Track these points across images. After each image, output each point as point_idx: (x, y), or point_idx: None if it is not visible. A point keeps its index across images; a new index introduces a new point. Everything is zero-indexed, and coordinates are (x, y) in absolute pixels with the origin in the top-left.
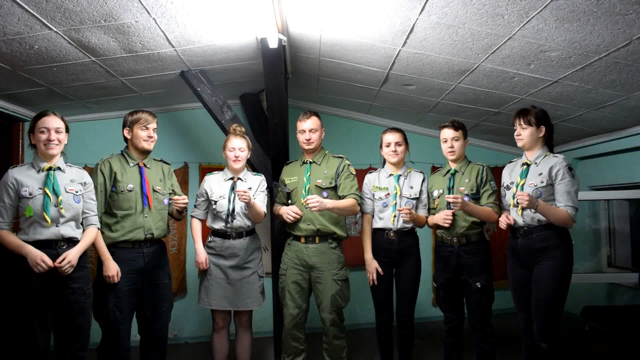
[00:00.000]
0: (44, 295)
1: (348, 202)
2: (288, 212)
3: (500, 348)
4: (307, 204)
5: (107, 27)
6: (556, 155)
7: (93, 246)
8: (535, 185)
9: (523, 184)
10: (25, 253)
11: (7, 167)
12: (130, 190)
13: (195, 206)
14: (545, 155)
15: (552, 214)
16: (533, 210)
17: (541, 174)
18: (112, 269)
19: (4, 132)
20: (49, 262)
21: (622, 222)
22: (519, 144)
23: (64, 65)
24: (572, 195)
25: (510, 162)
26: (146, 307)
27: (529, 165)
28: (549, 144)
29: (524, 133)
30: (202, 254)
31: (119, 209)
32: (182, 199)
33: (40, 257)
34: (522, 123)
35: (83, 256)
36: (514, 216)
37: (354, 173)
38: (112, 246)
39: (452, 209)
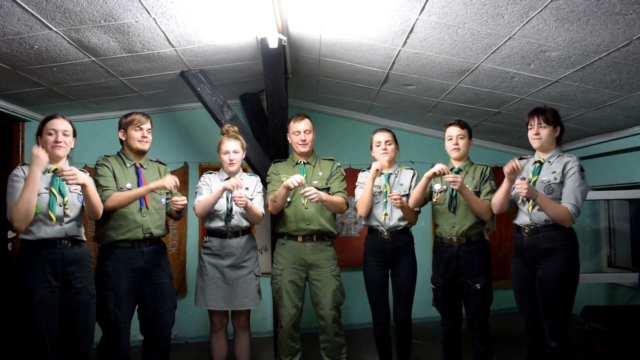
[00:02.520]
0: (49, 297)
1: (338, 199)
2: (292, 180)
3: (499, 348)
4: (306, 195)
5: (107, 27)
6: (570, 155)
7: (94, 245)
8: (549, 181)
9: (535, 180)
10: (30, 182)
11: (7, 166)
12: (129, 189)
13: (199, 194)
14: (559, 155)
15: (551, 208)
16: (538, 208)
17: (555, 171)
18: (166, 180)
19: (4, 132)
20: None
21: (622, 222)
22: (536, 144)
23: (64, 65)
24: (576, 194)
25: (521, 158)
26: (147, 307)
27: (542, 163)
28: (559, 144)
29: (543, 132)
30: (229, 181)
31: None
32: (181, 200)
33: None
34: (542, 122)
35: (87, 256)
36: (521, 215)
37: (344, 174)
38: (111, 245)
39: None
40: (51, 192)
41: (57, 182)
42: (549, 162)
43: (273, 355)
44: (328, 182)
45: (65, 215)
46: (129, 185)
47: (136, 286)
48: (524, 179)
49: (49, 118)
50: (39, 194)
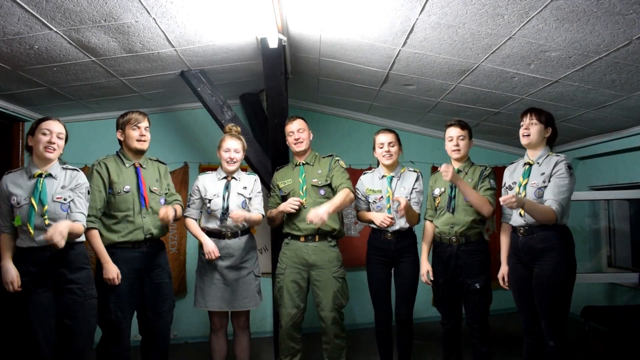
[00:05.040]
0: (41, 297)
1: (342, 194)
2: (290, 203)
3: (499, 348)
4: (311, 222)
5: (107, 27)
6: (558, 154)
7: (92, 248)
8: (537, 186)
9: (526, 184)
10: (3, 267)
11: (7, 167)
12: (127, 192)
13: (188, 206)
14: (548, 155)
15: (538, 211)
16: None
17: (543, 173)
18: (112, 271)
19: (4, 132)
20: (16, 286)
21: (622, 222)
22: (525, 140)
23: (64, 65)
24: (560, 189)
25: (512, 163)
26: (147, 306)
27: (531, 165)
28: (550, 146)
29: (533, 129)
30: (210, 243)
31: (117, 211)
32: (166, 217)
33: (9, 280)
34: (534, 119)
35: (82, 257)
36: (515, 216)
37: (345, 167)
38: (112, 246)
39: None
40: (30, 203)
41: (37, 191)
42: (538, 163)
43: (273, 355)
44: (327, 179)
45: (46, 225)
46: (126, 188)
47: (137, 286)
48: (514, 183)
49: (45, 119)
50: (20, 205)
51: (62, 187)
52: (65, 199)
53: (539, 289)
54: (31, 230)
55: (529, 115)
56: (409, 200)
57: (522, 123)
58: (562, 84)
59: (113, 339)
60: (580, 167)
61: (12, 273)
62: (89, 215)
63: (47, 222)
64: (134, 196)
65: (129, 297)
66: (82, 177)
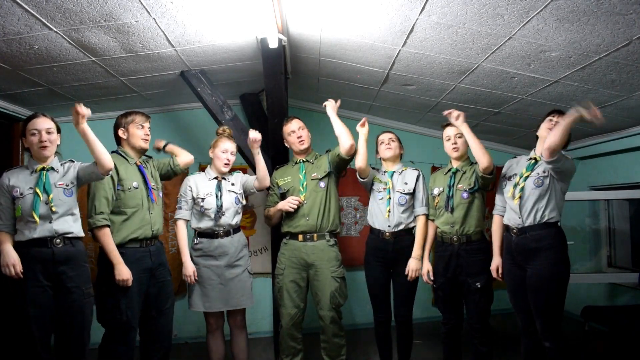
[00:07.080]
0: (40, 296)
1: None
2: (289, 201)
3: (499, 348)
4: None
5: (107, 27)
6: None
7: (93, 245)
8: (538, 175)
9: (527, 176)
10: (3, 250)
11: (8, 166)
12: (136, 188)
13: (180, 207)
14: None
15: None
16: (529, 209)
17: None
18: (125, 273)
19: (4, 132)
20: (18, 269)
21: (622, 222)
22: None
23: (64, 65)
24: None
25: (515, 157)
26: (151, 305)
27: (537, 161)
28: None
29: None
30: (189, 267)
31: (127, 207)
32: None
33: (11, 262)
34: (559, 120)
35: (82, 255)
36: (509, 214)
37: None
38: (121, 246)
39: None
40: (35, 192)
41: (42, 181)
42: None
43: (273, 355)
44: (327, 169)
45: (53, 212)
46: (135, 184)
47: (144, 286)
48: (515, 175)
49: (31, 118)
50: (23, 196)
51: (63, 177)
52: (67, 185)
53: (533, 289)
54: (37, 218)
55: (553, 115)
56: (417, 200)
57: (550, 118)
58: (562, 84)
59: (122, 340)
60: (580, 167)
61: (13, 256)
62: (100, 213)
63: (54, 208)
64: (142, 192)
65: (138, 297)
66: (77, 163)
